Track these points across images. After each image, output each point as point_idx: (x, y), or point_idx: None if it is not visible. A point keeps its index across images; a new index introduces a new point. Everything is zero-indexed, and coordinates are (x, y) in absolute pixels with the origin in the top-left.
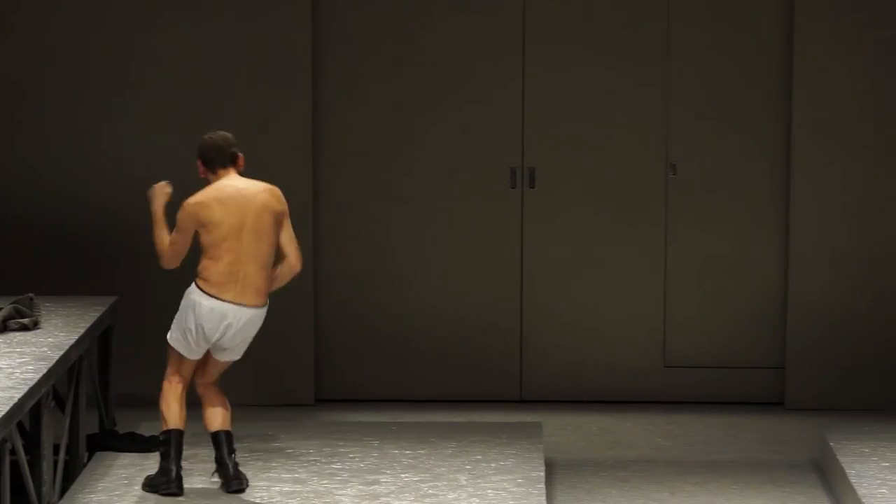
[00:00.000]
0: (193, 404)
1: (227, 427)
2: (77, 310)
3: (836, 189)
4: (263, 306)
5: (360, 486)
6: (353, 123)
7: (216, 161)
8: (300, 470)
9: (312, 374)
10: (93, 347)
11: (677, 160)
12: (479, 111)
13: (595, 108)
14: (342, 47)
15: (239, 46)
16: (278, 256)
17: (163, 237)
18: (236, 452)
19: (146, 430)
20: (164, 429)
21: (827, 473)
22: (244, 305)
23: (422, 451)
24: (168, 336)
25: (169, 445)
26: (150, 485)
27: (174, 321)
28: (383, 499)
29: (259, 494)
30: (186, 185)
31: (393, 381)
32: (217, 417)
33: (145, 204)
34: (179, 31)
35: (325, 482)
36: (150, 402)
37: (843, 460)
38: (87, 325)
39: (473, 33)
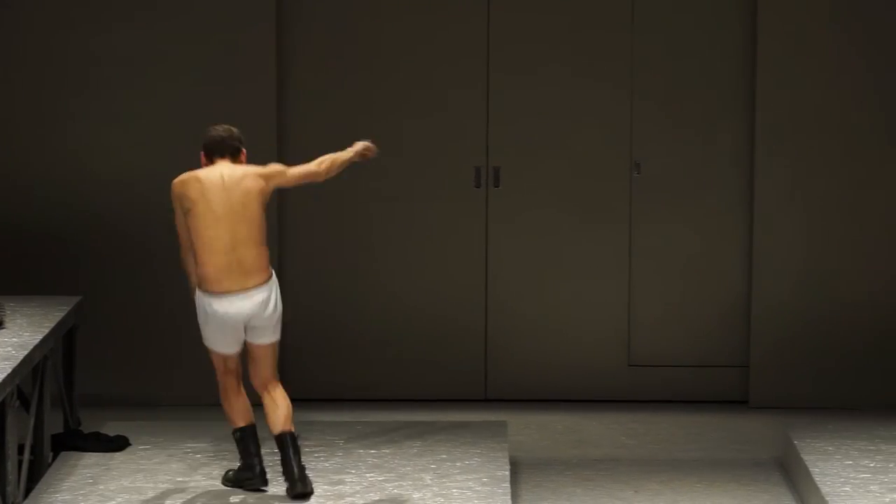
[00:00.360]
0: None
1: (290, 427)
2: (41, 309)
3: (799, 189)
4: (269, 280)
5: (325, 486)
6: (317, 124)
7: (216, 152)
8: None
9: None
10: (57, 347)
11: (641, 159)
12: (443, 111)
13: (559, 107)
14: (307, 48)
15: (203, 46)
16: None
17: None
18: (301, 453)
19: (111, 429)
20: (235, 427)
21: (791, 472)
22: (249, 289)
23: (387, 451)
24: (204, 341)
25: (245, 443)
26: (234, 480)
27: (201, 329)
28: (348, 498)
29: (223, 494)
30: (150, 183)
31: (358, 380)
32: (279, 419)
33: (109, 203)
34: (143, 31)
35: None
36: (115, 402)
37: (807, 458)
38: (52, 324)
39: (438, 34)
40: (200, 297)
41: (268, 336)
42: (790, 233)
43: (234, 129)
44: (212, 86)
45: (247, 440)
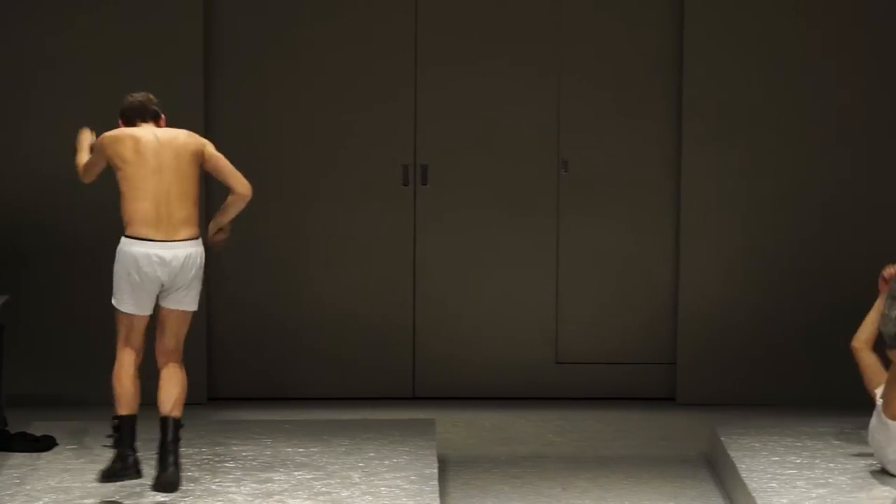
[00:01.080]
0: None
1: (176, 412)
2: None
3: (725, 187)
4: (197, 238)
5: (253, 485)
6: (244, 122)
7: (136, 116)
8: (193, 469)
9: (205, 373)
10: None
11: (569, 157)
12: (371, 109)
13: (487, 105)
14: (233, 46)
15: (131, 46)
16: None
17: (81, 159)
18: (180, 442)
19: (37, 429)
20: (116, 413)
21: (718, 468)
22: (177, 241)
23: (315, 449)
24: (112, 300)
25: (122, 433)
26: (108, 473)
27: (114, 285)
28: (276, 497)
29: (151, 494)
30: (76, 182)
31: (286, 378)
32: (168, 400)
33: (34, 202)
34: (71, 31)
35: (217, 480)
36: (42, 402)
37: (734, 455)
38: None
39: (366, 30)
40: (124, 244)
41: (183, 301)
42: (717, 231)
43: (152, 95)
44: (140, 86)
45: (124, 430)
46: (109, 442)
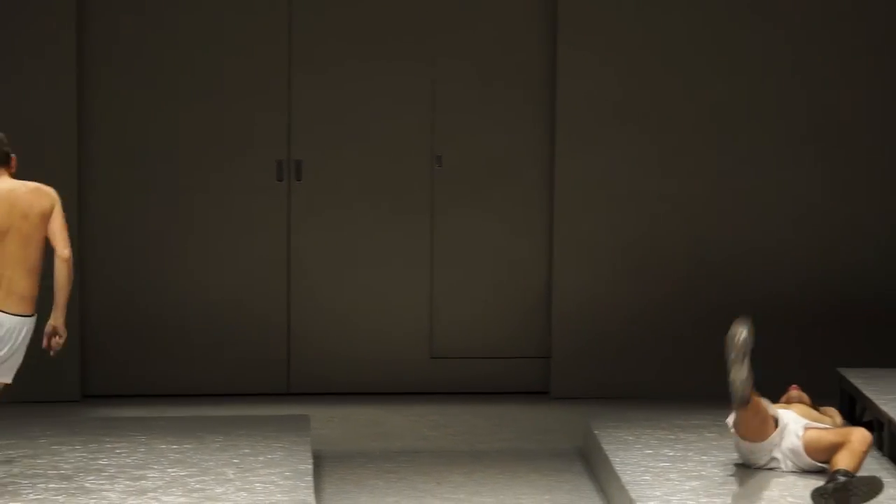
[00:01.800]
0: None
1: None
2: None
3: (598, 183)
4: (29, 315)
5: (127, 482)
6: (118, 118)
7: None
8: (65, 466)
9: (78, 370)
10: None
11: (443, 152)
12: (245, 104)
13: (362, 101)
14: (108, 43)
15: (3, 44)
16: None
17: None
18: None
19: None
20: None
21: (592, 461)
22: (4, 312)
23: (189, 446)
24: None
25: None
26: None
27: None
28: (151, 494)
29: (24, 492)
30: None
31: (160, 375)
32: None
33: None
34: None
35: (91, 478)
36: None
37: (608, 448)
38: None
39: (239, 27)
40: None
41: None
42: (591, 227)
43: (2, 135)
44: (13, 84)
45: None
46: None
